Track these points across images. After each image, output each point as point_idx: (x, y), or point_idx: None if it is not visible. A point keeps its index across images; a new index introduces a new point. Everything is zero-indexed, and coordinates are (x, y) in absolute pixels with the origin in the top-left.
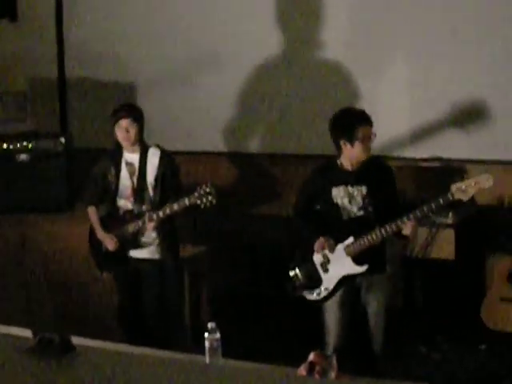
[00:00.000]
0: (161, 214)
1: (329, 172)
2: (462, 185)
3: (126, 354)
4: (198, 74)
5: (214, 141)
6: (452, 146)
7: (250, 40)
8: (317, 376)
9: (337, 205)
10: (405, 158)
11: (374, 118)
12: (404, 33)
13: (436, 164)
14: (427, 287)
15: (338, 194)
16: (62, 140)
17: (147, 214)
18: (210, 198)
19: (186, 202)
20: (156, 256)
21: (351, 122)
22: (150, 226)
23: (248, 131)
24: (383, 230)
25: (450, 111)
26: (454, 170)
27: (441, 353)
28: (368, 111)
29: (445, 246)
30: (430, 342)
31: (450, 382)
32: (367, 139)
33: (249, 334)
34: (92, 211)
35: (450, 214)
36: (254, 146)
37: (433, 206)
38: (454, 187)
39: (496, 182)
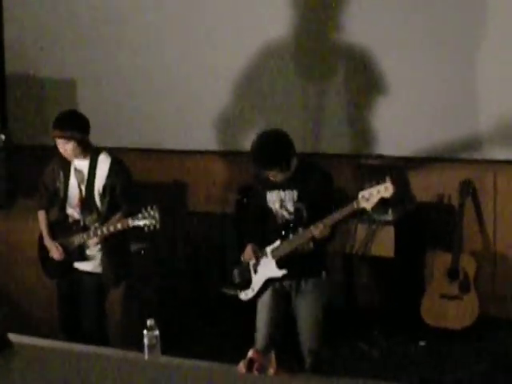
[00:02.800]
0: (105, 230)
1: (265, 176)
2: (366, 193)
3: (64, 351)
4: (138, 71)
5: (154, 138)
6: (392, 144)
7: (195, 37)
8: (256, 372)
9: (270, 209)
10: (345, 156)
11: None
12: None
13: (376, 161)
14: (367, 284)
15: (271, 199)
16: (2, 137)
17: (92, 229)
18: (153, 222)
19: (130, 223)
20: (98, 270)
21: (257, 165)
22: (93, 241)
23: (194, 128)
24: (301, 234)
25: (389, 109)
26: (394, 168)
27: (381, 349)
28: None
29: (384, 243)
30: (370, 339)
31: (390, 378)
32: (273, 175)
33: (188, 332)
34: (41, 216)
35: (390, 211)
36: (202, 143)
37: (341, 213)
38: (360, 195)
39: (435, 179)
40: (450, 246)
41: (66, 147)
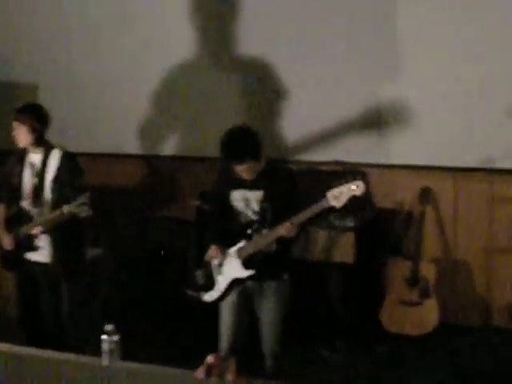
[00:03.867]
0: (46, 218)
1: (229, 176)
2: (335, 191)
3: (18, 354)
4: (99, 76)
5: (115, 142)
6: (352, 151)
7: (156, 43)
8: (214, 378)
9: (235, 208)
10: (305, 162)
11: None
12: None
13: (337, 168)
14: (327, 290)
15: (236, 198)
16: None
17: (35, 218)
18: (85, 208)
19: (64, 209)
20: (47, 260)
21: (229, 158)
22: (37, 230)
23: (154, 133)
24: (267, 234)
25: (349, 117)
26: (354, 174)
27: (341, 356)
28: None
29: (345, 250)
30: (330, 345)
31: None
32: (243, 170)
33: (148, 337)
34: (0, 209)
35: (350, 218)
36: (163, 148)
37: (310, 212)
38: (329, 194)
39: (396, 186)
40: (410, 253)
41: (19, 131)
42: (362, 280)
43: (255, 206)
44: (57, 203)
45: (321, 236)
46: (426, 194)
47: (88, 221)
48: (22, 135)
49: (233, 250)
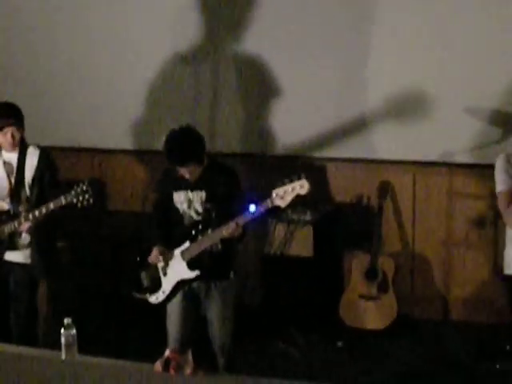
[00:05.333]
0: (37, 213)
1: (172, 176)
2: (280, 191)
3: None
4: (57, 70)
5: (72, 136)
6: (311, 145)
7: (109, 38)
8: (172, 372)
9: (177, 209)
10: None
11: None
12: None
13: (292, 161)
14: (286, 284)
15: (179, 199)
16: None
17: (23, 214)
18: (86, 196)
19: (62, 200)
20: (28, 261)
21: (171, 161)
22: (25, 226)
23: (113, 127)
24: (212, 234)
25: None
26: (313, 168)
27: (299, 349)
28: None
29: (303, 243)
30: (289, 339)
31: (308, 377)
32: (185, 172)
33: (106, 330)
34: None
35: (309, 212)
36: (121, 142)
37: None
38: (274, 193)
39: (355, 180)
40: (369, 247)
41: (16, 135)
42: (321, 274)
43: (198, 207)
44: (37, 201)
45: (279, 229)
46: (384, 188)
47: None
48: (20, 138)
49: (177, 251)
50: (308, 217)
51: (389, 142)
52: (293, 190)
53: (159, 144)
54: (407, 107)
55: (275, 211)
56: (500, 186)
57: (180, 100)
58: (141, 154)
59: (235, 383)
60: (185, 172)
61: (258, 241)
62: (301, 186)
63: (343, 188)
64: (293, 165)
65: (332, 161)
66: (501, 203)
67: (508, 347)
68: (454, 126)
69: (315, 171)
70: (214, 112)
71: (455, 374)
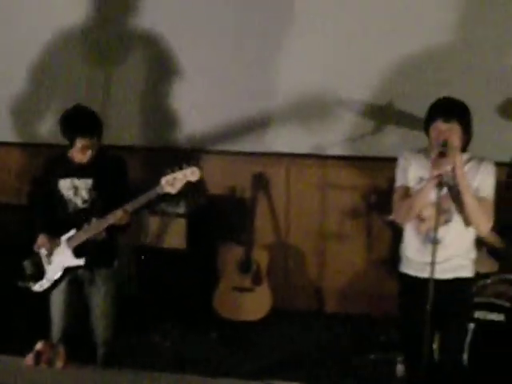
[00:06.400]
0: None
1: (59, 163)
2: (170, 178)
3: None
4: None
5: None
6: (186, 136)
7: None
8: (43, 365)
9: (63, 197)
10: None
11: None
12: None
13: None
14: (160, 276)
15: (64, 186)
16: None
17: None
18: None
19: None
20: None
21: (71, 131)
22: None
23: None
24: (97, 222)
25: (186, 98)
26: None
27: (172, 341)
28: None
29: (176, 235)
30: (162, 331)
31: (181, 370)
32: (85, 148)
33: None
34: None
35: (182, 204)
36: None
37: (144, 198)
38: (163, 180)
39: (229, 172)
40: (243, 239)
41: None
42: (195, 266)
43: (85, 195)
44: None
45: (152, 221)
46: (258, 180)
47: None
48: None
49: (63, 238)
50: (182, 209)
51: (262, 135)
52: (184, 176)
53: (37, 136)
54: (282, 101)
55: (164, 198)
56: (397, 182)
57: (68, 88)
58: (17, 146)
59: (102, 376)
60: (84, 148)
61: (133, 231)
62: (192, 173)
63: (218, 180)
64: (164, 156)
65: (207, 153)
66: (394, 198)
67: (382, 338)
68: (327, 118)
69: (190, 162)
70: (107, 104)
71: (330, 366)
